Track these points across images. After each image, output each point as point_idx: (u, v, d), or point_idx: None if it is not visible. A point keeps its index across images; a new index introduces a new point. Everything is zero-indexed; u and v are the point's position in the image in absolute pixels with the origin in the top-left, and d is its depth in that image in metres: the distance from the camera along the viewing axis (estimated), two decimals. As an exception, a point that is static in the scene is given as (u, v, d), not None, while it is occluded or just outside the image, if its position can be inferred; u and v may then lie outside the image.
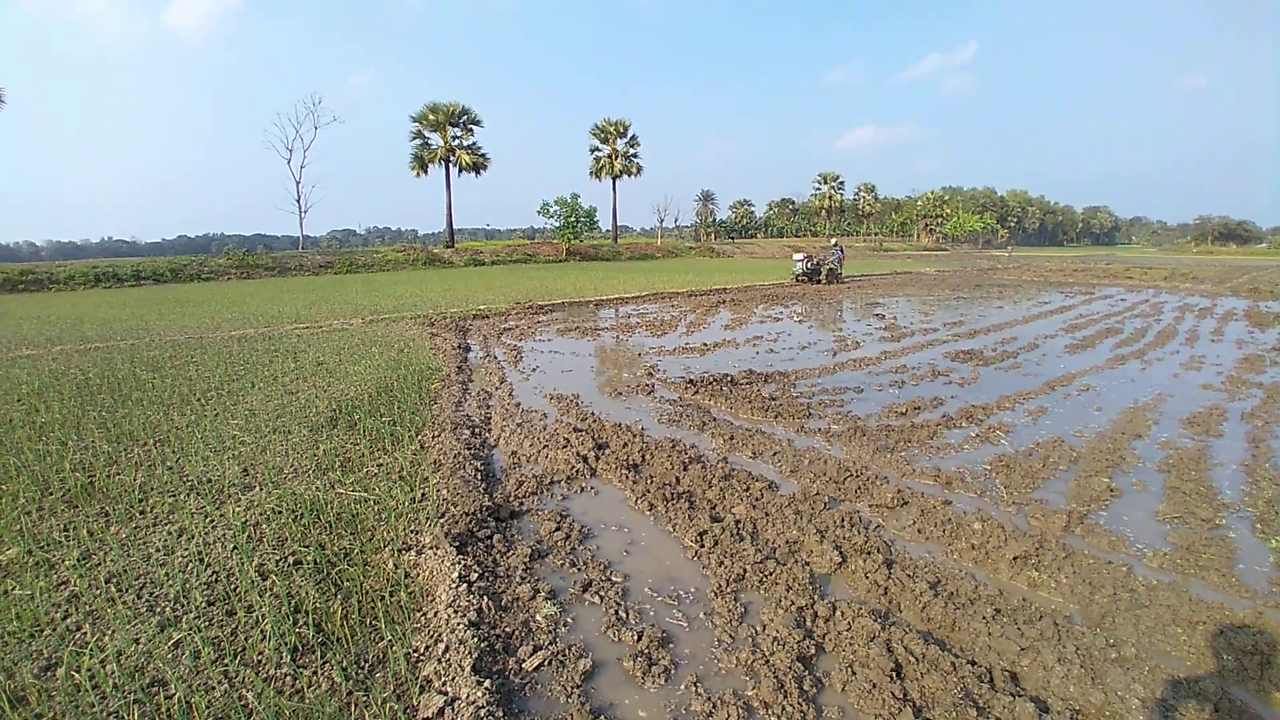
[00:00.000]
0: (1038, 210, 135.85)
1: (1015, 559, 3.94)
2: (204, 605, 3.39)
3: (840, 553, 3.99)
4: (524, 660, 3.00)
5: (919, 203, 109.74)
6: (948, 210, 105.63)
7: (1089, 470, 5.41)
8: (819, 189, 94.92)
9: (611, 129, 57.94)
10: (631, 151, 58.78)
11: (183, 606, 3.39)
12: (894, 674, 2.91)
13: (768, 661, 2.99)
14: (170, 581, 3.61)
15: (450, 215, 51.61)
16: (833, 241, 27.64)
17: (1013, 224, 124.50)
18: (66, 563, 3.84)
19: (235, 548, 3.97)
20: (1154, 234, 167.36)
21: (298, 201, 52.11)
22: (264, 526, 4.27)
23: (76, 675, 2.81)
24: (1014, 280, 29.82)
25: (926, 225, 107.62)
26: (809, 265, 25.61)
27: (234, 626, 3.21)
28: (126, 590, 3.55)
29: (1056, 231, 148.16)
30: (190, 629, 3.16)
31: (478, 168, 50.34)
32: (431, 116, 48.81)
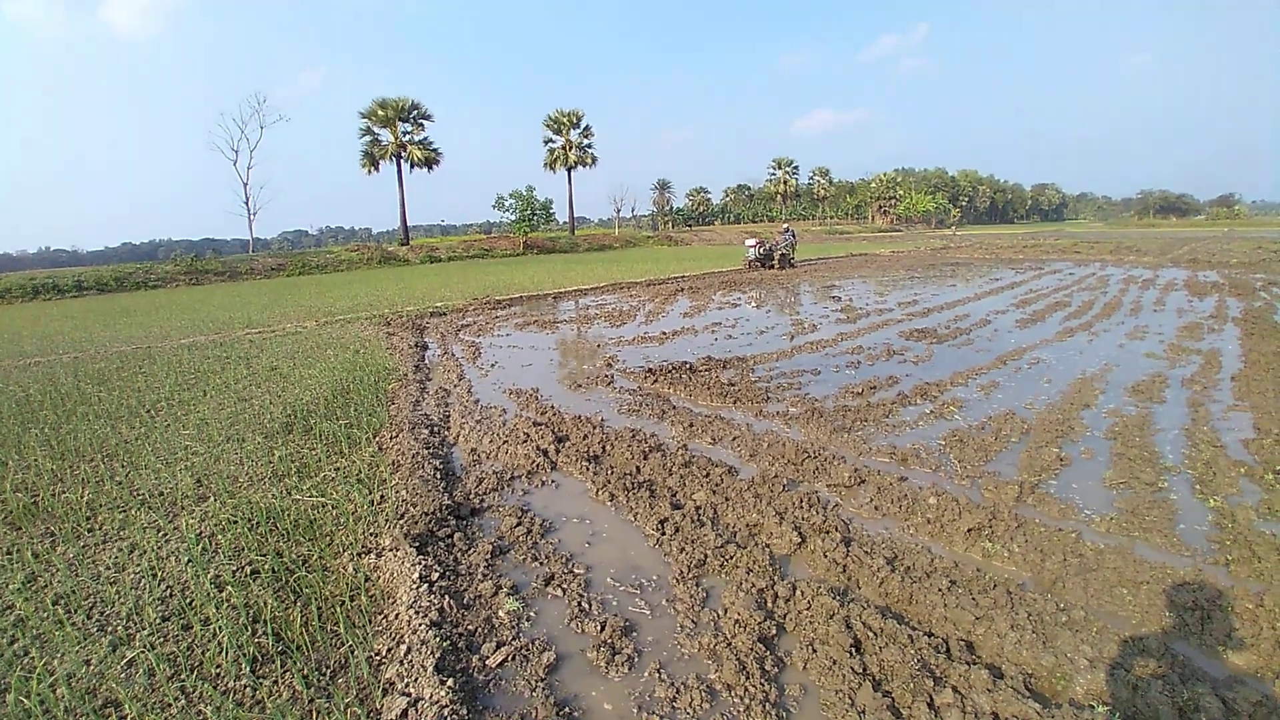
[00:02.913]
0: (988, 189, 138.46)
1: (969, 531, 4.04)
2: (158, 621, 3.32)
3: (799, 533, 4.05)
4: (487, 657, 3.00)
5: (872, 185, 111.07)
6: (900, 192, 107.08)
7: (1040, 441, 5.56)
8: (774, 174, 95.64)
9: (565, 120, 57.49)
10: (586, 142, 58.41)
11: (135, 624, 3.31)
12: (853, 649, 2.97)
13: (729, 644, 3.03)
14: (122, 599, 3.53)
15: (404, 212, 50.88)
16: (784, 227, 27.77)
17: (964, 203, 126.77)
18: (11, 587, 3.72)
19: (190, 560, 3.88)
20: (1100, 209, 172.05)
21: (246, 204, 50.72)
22: (219, 537, 4.19)
23: (25, 700, 2.74)
24: (966, 259, 30.44)
25: (880, 207, 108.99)
26: (761, 251, 25.59)
27: (190, 641, 3.15)
28: (75, 611, 3.45)
29: (1007, 209, 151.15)
30: (144, 646, 3.10)
31: (430, 163, 49.64)
32: (381, 112, 47.96)
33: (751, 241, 26.19)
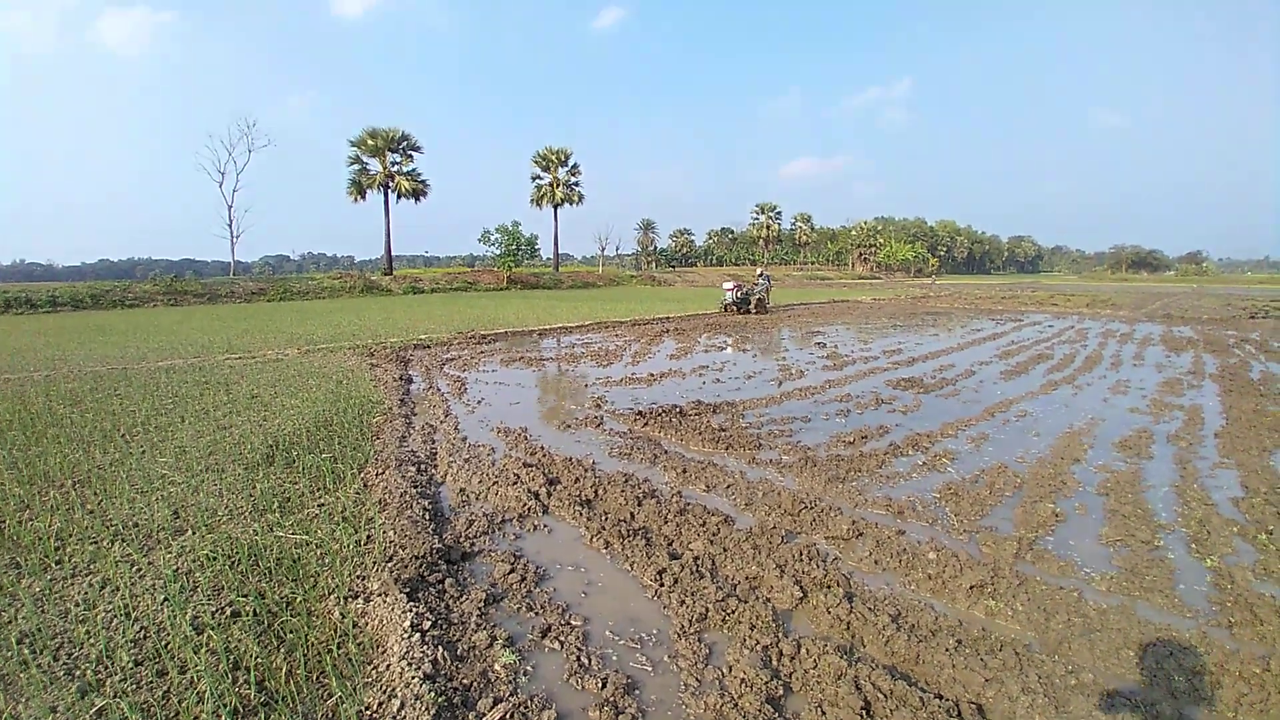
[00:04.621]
0: (966, 240, 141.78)
1: (971, 588, 3.98)
2: (131, 666, 3.13)
3: (801, 587, 3.97)
4: (484, 714, 2.85)
5: (853, 232, 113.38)
6: (881, 240, 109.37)
7: (1033, 496, 5.55)
8: (757, 219, 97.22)
9: (553, 157, 58.21)
10: (573, 180, 59.11)
11: (106, 668, 3.12)
12: (864, 712, 2.87)
13: (736, 705, 2.92)
14: (92, 640, 3.33)
15: (389, 242, 50.87)
16: (759, 272, 27.85)
17: (942, 253, 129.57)
18: (-28, 622, 3.52)
19: (166, 599, 3.70)
20: (1074, 262, 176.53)
21: (229, 226, 50.42)
22: (197, 575, 4.00)
23: (-15, 751, 2.56)
24: (946, 308, 30.89)
25: (861, 254, 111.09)
26: (739, 295, 25.35)
27: (166, 688, 2.97)
28: (41, 652, 3.25)
29: (984, 260, 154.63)
30: (116, 694, 2.91)
31: (417, 194, 49.89)
32: (370, 141, 48.27)
33: (729, 284, 25.99)
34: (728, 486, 5.74)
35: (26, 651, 3.24)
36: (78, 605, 3.70)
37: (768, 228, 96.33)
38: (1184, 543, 4.72)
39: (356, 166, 48.95)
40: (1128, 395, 9.96)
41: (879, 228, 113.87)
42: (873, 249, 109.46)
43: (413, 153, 49.72)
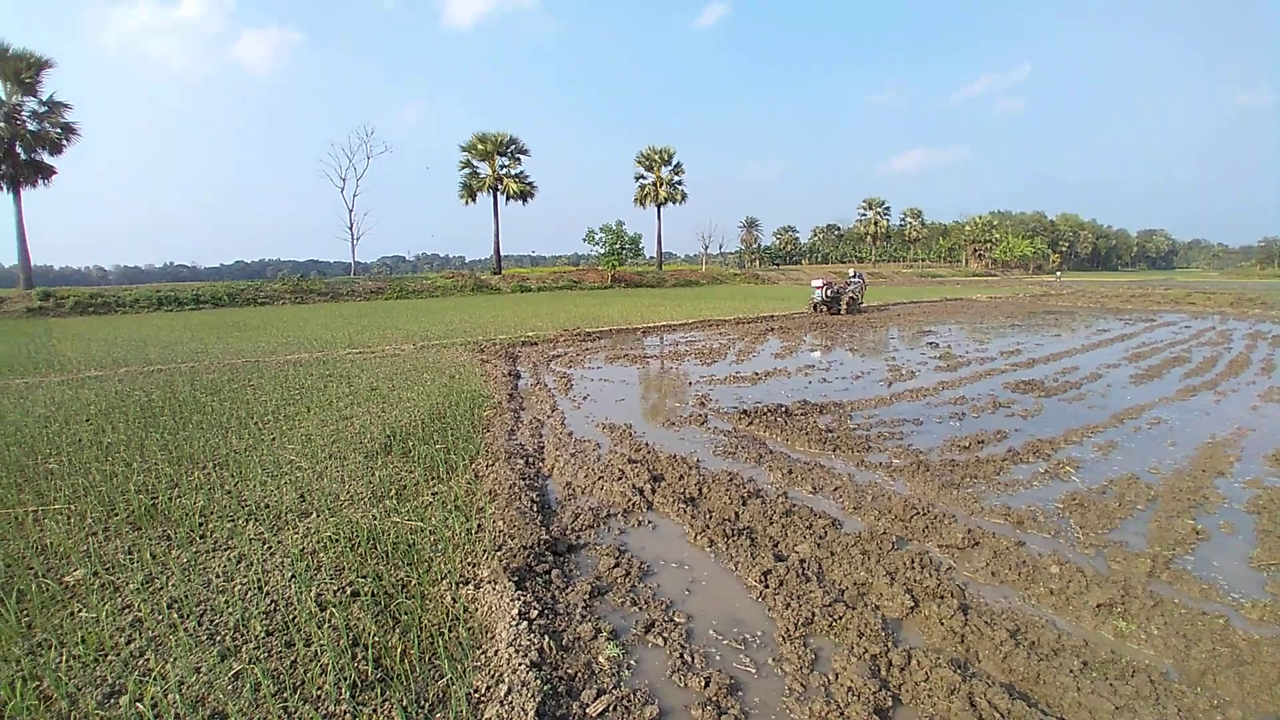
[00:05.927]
0: (1090, 234, 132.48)
1: (1099, 606, 3.70)
2: (263, 635, 3.36)
3: (912, 596, 3.81)
4: (588, 705, 2.88)
5: (967, 228, 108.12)
6: (997, 235, 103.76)
7: (1169, 510, 5.11)
8: (864, 215, 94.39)
9: (656, 156, 58.41)
10: (676, 179, 59.10)
11: (242, 636, 3.36)
12: (980, 732, 2.72)
13: (842, 713, 2.83)
14: (230, 609, 3.60)
15: (498, 242, 52.46)
16: (852, 271, 26.69)
17: (1064, 248, 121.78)
18: (130, 586, 3.86)
19: (294, 576, 3.95)
20: (1214, 257, 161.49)
21: (350, 229, 53.55)
22: (321, 555, 4.25)
23: (140, 705, 2.79)
24: (1069, 307, 29.00)
25: (975, 250, 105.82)
26: (829, 294, 23.63)
27: (293, 659, 3.16)
28: (188, 616, 3.54)
29: (1110, 256, 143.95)
30: (250, 660, 3.13)
31: (524, 196, 51.20)
32: (480, 146, 49.93)
33: (818, 282, 24.12)
34: (835, 489, 5.59)
35: (176, 615, 3.54)
36: (218, 577, 4.00)
37: (876, 224, 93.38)
38: (1355, 572, 4.23)
39: (467, 170, 50.81)
40: (1283, 404, 9.03)
41: (994, 222, 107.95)
42: (988, 244, 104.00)
43: (520, 156, 51.15)
